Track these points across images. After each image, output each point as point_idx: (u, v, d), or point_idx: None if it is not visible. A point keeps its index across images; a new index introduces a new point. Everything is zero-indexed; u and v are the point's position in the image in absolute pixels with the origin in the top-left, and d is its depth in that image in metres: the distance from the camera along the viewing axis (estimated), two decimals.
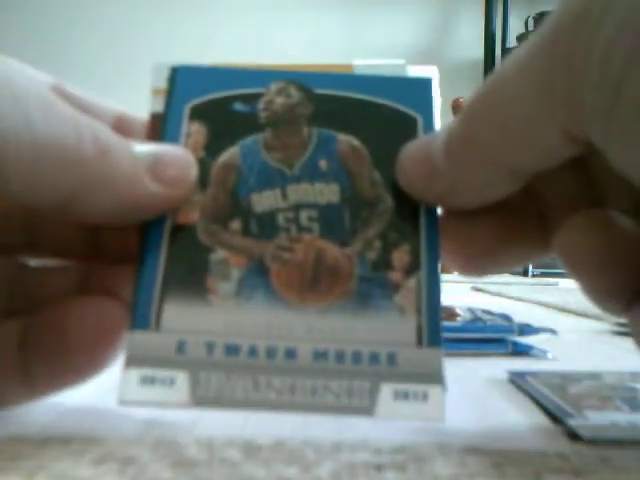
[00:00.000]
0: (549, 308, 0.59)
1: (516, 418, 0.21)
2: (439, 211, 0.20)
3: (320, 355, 0.17)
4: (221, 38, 2.20)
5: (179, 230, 0.19)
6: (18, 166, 0.15)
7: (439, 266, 0.19)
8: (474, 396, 0.24)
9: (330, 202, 0.19)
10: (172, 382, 0.17)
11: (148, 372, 0.17)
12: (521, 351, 0.32)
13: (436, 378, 0.17)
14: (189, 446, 0.17)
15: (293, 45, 2.22)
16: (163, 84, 0.21)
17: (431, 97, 0.21)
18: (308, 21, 2.26)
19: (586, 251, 0.18)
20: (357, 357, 0.17)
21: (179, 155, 0.19)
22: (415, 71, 0.22)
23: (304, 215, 0.19)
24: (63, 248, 0.21)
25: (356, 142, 0.20)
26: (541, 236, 0.20)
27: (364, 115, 0.21)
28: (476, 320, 0.35)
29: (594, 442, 0.18)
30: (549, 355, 0.32)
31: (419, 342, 0.18)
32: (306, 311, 0.18)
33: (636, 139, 0.14)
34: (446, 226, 0.20)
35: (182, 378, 0.17)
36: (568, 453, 0.17)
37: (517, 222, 0.20)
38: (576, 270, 0.18)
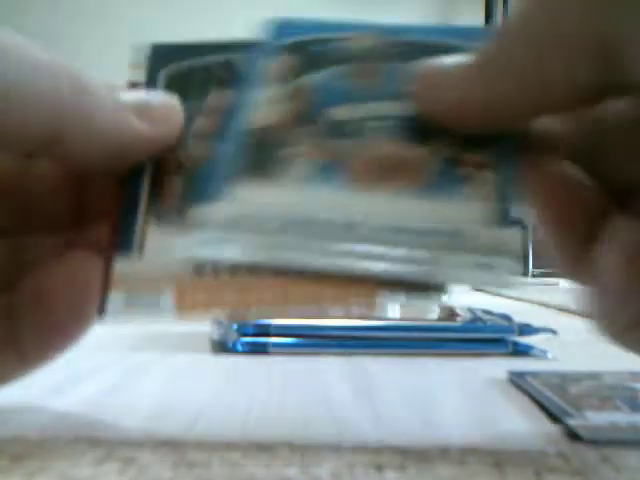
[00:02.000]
0: (549, 308, 0.59)
1: (516, 418, 0.21)
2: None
3: (386, 229, 0.17)
4: (219, 35, 2.20)
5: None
6: None
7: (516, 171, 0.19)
8: (474, 396, 0.24)
9: (406, 115, 0.19)
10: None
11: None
12: (521, 351, 0.32)
13: (514, 254, 0.17)
14: (189, 446, 0.17)
15: None
16: (140, 61, 0.21)
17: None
18: None
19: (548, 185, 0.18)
20: (431, 232, 0.17)
21: (163, 98, 0.19)
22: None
23: (380, 124, 0.19)
24: (52, 221, 0.21)
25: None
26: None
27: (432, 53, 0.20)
28: (476, 320, 0.35)
29: (594, 442, 0.18)
30: (549, 355, 0.32)
31: (490, 222, 0.18)
32: (374, 197, 0.18)
33: None
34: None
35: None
36: (568, 453, 0.17)
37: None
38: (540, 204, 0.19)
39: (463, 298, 0.66)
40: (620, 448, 0.18)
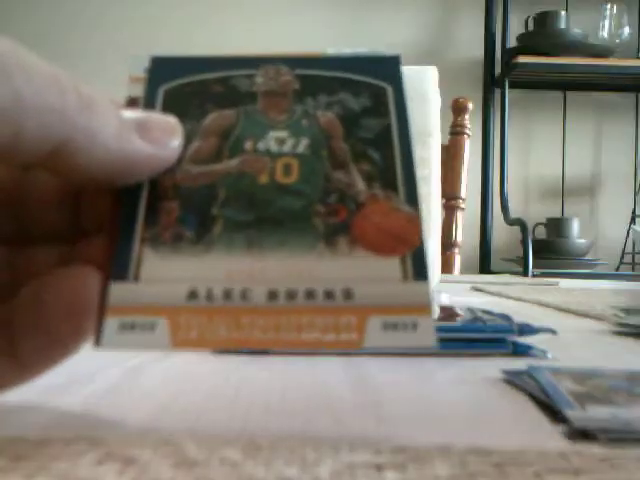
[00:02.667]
0: (549, 308, 0.59)
1: (516, 418, 0.21)
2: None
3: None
4: (219, 38, 2.20)
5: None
6: (1, 123, 0.15)
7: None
8: (474, 396, 0.24)
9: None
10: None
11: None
12: (521, 351, 0.32)
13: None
14: (189, 446, 0.17)
15: (291, 45, 2.21)
16: (140, 72, 0.22)
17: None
18: (307, 20, 2.26)
19: None
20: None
21: (164, 118, 0.19)
22: (415, 71, 0.22)
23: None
24: (48, 233, 0.21)
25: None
26: None
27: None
28: (476, 320, 0.35)
29: (592, 436, 0.18)
30: (549, 355, 0.32)
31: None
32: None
33: None
34: None
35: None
36: (568, 453, 0.17)
37: None
38: None
39: (463, 298, 0.66)
40: (620, 447, 0.18)
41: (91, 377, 0.25)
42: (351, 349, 0.18)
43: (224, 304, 0.18)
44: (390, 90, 0.21)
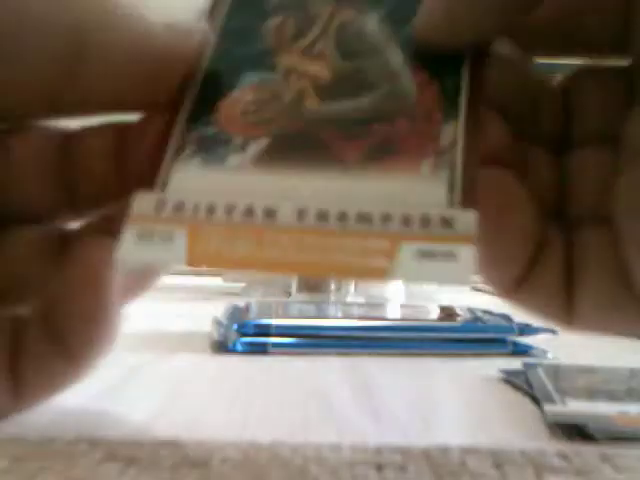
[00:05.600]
0: None
1: (516, 418, 0.21)
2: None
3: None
4: None
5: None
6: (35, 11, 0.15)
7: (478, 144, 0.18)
8: (474, 396, 0.24)
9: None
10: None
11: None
12: (521, 351, 0.32)
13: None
14: (189, 446, 0.17)
15: None
16: None
17: None
18: None
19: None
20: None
21: (189, 18, 0.19)
22: None
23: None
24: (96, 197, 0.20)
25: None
26: None
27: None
28: (476, 320, 0.35)
29: (592, 436, 0.18)
30: (549, 355, 0.32)
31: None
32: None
33: None
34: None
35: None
36: (568, 453, 0.17)
37: None
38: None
39: (463, 298, 0.66)
40: (620, 447, 0.18)
41: (91, 377, 0.25)
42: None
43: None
44: None
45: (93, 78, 0.17)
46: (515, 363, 0.28)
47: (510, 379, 0.26)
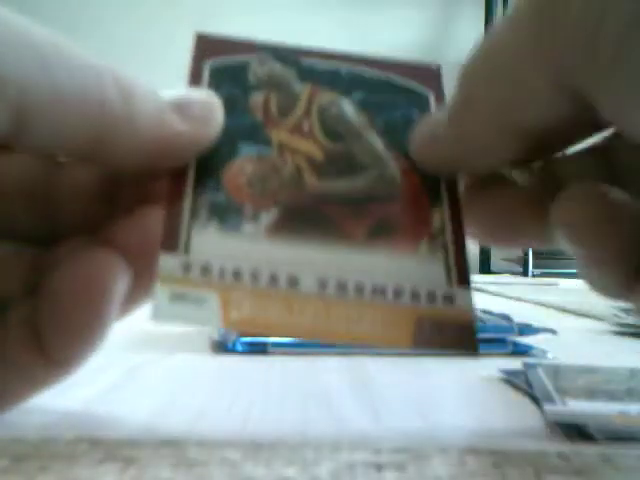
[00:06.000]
0: (549, 308, 0.59)
1: (516, 418, 0.21)
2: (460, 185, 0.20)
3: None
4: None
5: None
6: (39, 115, 0.15)
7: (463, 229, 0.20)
8: (474, 396, 0.24)
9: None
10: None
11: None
12: (521, 351, 0.32)
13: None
14: (189, 446, 0.17)
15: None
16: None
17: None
18: (307, 21, 2.26)
19: (582, 222, 0.18)
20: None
21: (203, 95, 0.19)
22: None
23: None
24: (77, 227, 0.20)
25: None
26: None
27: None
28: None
29: (592, 436, 0.18)
30: (549, 355, 0.32)
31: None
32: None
33: (621, 85, 0.14)
34: (466, 196, 0.20)
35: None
36: (568, 453, 0.17)
37: (536, 199, 0.20)
38: (573, 243, 0.18)
39: None
40: (620, 447, 0.18)
41: (91, 377, 0.25)
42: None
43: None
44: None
45: (113, 160, 0.17)
46: (515, 363, 0.27)
47: (510, 379, 0.26)
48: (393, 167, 0.20)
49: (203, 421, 0.20)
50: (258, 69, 0.21)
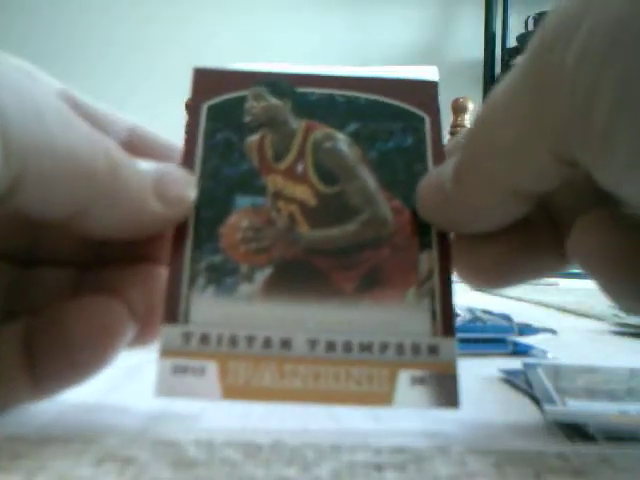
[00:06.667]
0: (549, 308, 0.59)
1: (516, 418, 0.21)
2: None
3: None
4: (221, 41, 2.20)
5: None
6: (37, 180, 0.16)
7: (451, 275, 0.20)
8: (474, 396, 0.24)
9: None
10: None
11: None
12: (521, 351, 0.32)
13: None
14: (189, 446, 0.17)
15: (291, 45, 2.22)
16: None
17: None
18: (307, 22, 2.26)
19: (599, 251, 0.18)
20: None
21: (180, 175, 0.19)
22: (415, 71, 0.22)
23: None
24: (63, 257, 0.21)
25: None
26: (557, 247, 0.20)
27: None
28: (476, 320, 0.35)
29: (591, 436, 0.18)
30: (549, 355, 0.32)
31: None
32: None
33: (618, 164, 0.15)
34: (457, 240, 0.20)
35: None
36: (568, 453, 0.17)
37: (531, 234, 0.20)
38: (593, 271, 0.18)
39: (463, 298, 0.66)
40: (620, 447, 0.18)
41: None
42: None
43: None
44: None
45: (91, 230, 0.18)
46: (515, 363, 0.27)
47: (510, 379, 0.26)
48: (385, 207, 0.20)
49: (203, 421, 0.20)
50: (254, 105, 0.21)
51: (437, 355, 0.18)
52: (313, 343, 0.18)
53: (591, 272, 0.18)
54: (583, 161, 0.16)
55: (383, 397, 0.18)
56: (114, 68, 2.17)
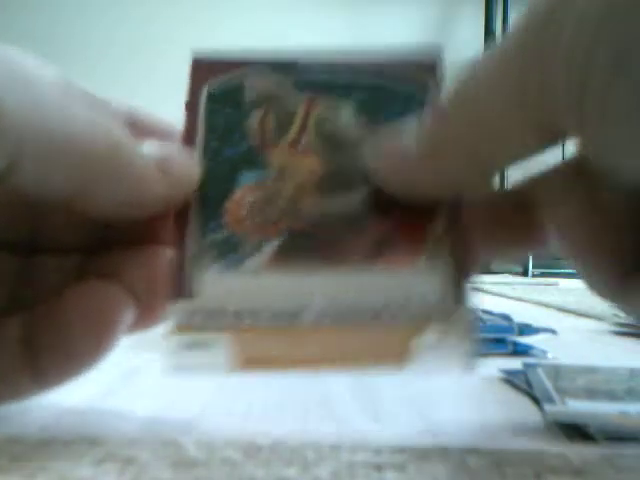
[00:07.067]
0: (549, 308, 0.59)
1: (516, 418, 0.21)
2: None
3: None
4: (221, 41, 2.20)
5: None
6: (33, 162, 0.15)
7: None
8: (474, 396, 0.24)
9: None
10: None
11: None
12: (521, 351, 0.32)
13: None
14: (189, 446, 0.17)
15: (291, 45, 2.21)
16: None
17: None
18: (306, 20, 2.26)
19: (575, 219, 0.18)
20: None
21: (183, 157, 0.19)
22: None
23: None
24: (66, 244, 0.21)
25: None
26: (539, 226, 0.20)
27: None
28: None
29: (591, 436, 0.18)
30: (549, 355, 0.32)
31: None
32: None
33: (610, 130, 0.15)
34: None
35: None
36: (568, 453, 0.17)
37: (515, 210, 0.20)
38: (568, 247, 0.18)
39: None
40: (620, 447, 0.18)
41: (91, 377, 0.25)
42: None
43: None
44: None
45: (92, 210, 0.18)
46: (515, 363, 0.27)
47: (510, 379, 0.26)
48: None
49: (203, 421, 0.20)
50: (255, 83, 0.21)
51: (449, 320, 0.18)
52: (324, 311, 0.18)
53: (566, 247, 0.18)
54: (578, 134, 0.15)
55: (396, 361, 0.18)
56: (114, 68, 2.17)
